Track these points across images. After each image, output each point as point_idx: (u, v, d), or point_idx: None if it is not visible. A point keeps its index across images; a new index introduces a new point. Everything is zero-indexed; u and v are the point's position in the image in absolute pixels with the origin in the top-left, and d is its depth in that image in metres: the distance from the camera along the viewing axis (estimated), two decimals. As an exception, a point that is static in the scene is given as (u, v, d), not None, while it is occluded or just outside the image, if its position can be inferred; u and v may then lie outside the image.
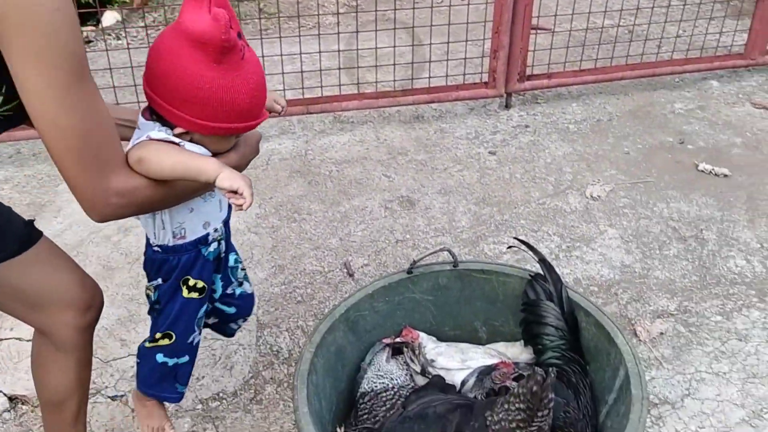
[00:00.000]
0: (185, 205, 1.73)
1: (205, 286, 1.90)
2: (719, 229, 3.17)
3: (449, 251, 2.40)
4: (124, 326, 2.71)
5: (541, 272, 2.33)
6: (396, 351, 2.42)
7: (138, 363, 1.98)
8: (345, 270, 2.95)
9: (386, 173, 3.56)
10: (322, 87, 3.71)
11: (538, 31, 3.94)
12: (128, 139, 1.62)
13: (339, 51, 3.66)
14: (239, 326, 2.48)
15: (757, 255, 3.02)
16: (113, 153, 1.37)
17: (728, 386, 2.43)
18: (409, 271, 2.41)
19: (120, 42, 4.82)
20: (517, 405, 1.97)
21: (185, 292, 1.88)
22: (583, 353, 2.28)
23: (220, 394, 2.41)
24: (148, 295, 1.96)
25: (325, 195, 3.39)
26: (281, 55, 3.61)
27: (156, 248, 1.83)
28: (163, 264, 1.87)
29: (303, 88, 3.70)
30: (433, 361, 2.39)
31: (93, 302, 1.90)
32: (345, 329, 2.29)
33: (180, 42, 1.44)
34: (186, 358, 1.95)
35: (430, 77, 3.81)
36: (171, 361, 1.93)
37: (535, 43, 3.90)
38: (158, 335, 1.89)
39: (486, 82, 3.90)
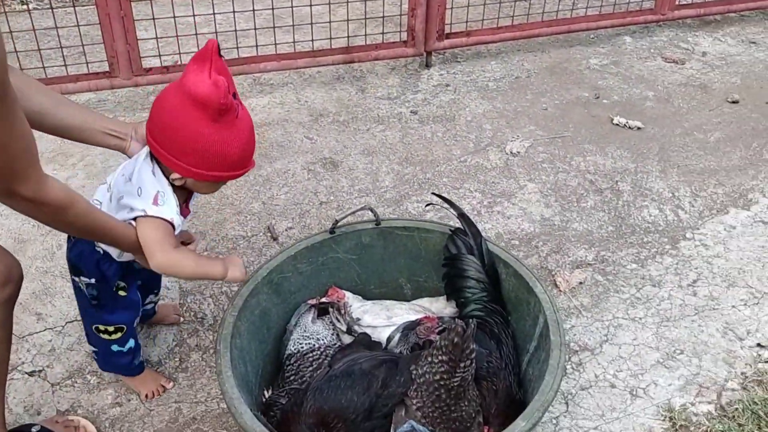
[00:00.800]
0: None
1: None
2: (633, 180, 3.27)
3: (371, 210, 2.40)
4: (39, 300, 2.62)
5: (461, 227, 2.36)
6: (322, 312, 2.42)
7: (95, 351, 2.21)
8: (269, 234, 2.92)
9: (308, 135, 3.52)
10: (238, 48, 3.62)
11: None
12: (110, 147, 1.98)
13: (254, 11, 3.57)
14: (154, 303, 2.45)
15: (669, 204, 3.13)
16: (26, 165, 1.41)
17: (644, 330, 2.53)
18: (332, 231, 2.40)
19: (24, 6, 4.58)
20: (440, 357, 1.99)
21: (121, 292, 2.07)
22: (505, 304, 2.33)
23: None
24: (79, 288, 2.06)
25: (245, 159, 3.33)
26: (194, 15, 3.50)
27: (99, 248, 1.95)
28: (99, 264, 1.97)
29: (220, 49, 3.59)
30: (358, 319, 2.40)
31: (10, 276, 1.86)
32: (269, 292, 2.27)
33: (182, 100, 1.64)
34: (134, 342, 2.19)
35: (348, 36, 3.76)
36: (125, 348, 2.16)
37: (452, 1, 3.89)
38: (111, 329, 2.10)
39: (405, 41, 3.88)
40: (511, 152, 3.41)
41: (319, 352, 2.29)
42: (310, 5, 3.61)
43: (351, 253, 2.45)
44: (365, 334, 2.35)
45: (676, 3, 4.37)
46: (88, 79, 3.49)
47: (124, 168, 1.91)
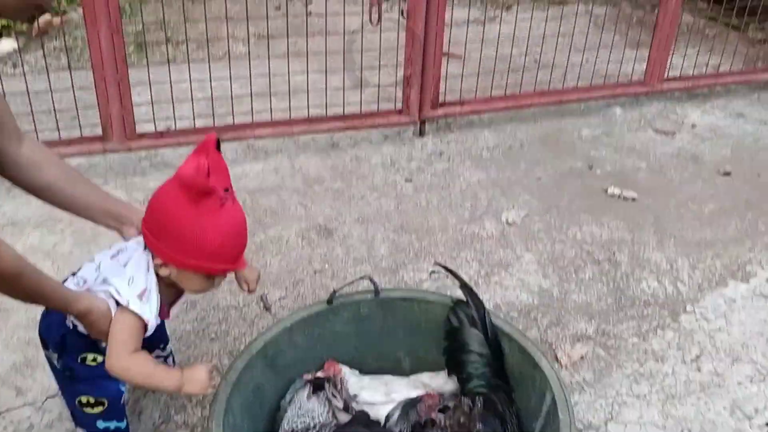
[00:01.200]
0: None
1: None
2: (630, 252, 3.24)
3: (370, 279, 2.34)
4: (20, 373, 2.50)
5: (463, 298, 2.30)
6: (317, 387, 2.33)
7: (80, 426, 2.07)
8: (261, 304, 2.84)
9: (302, 202, 3.47)
10: (233, 114, 3.61)
11: (450, 58, 3.96)
12: (108, 227, 1.99)
13: (250, 76, 3.57)
14: (164, 357, 2.35)
15: (667, 276, 3.09)
16: None
17: (649, 408, 2.45)
18: (329, 302, 2.32)
19: (17, 70, 4.56)
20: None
21: (91, 362, 1.94)
22: (509, 380, 2.25)
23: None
24: (51, 362, 1.99)
25: (238, 226, 3.27)
26: (190, 80, 3.50)
27: (69, 323, 1.87)
28: (66, 338, 1.90)
29: (214, 115, 3.58)
30: (356, 395, 2.30)
31: None
32: (263, 366, 2.18)
33: (171, 183, 1.68)
34: (124, 423, 2.06)
35: (344, 105, 3.76)
36: (112, 425, 2.03)
37: (447, 70, 3.92)
38: (91, 400, 1.97)
39: (400, 109, 3.90)
40: (507, 221, 3.38)
41: (315, 431, 2.19)
42: (306, 72, 3.61)
43: (349, 325, 2.37)
44: (363, 411, 2.25)
45: (665, 76, 4.44)
46: (81, 143, 3.45)
47: (119, 253, 1.88)
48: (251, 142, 3.88)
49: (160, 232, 1.72)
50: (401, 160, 3.87)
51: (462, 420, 1.86)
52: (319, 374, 2.32)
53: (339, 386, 2.33)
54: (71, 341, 1.92)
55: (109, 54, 3.23)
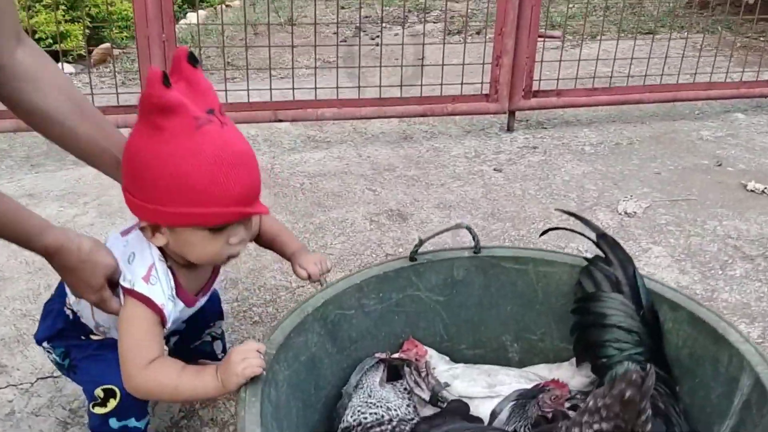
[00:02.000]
0: None
1: None
2: (789, 250, 2.52)
3: (469, 229, 1.71)
4: (8, 348, 1.94)
5: (601, 253, 1.64)
6: (394, 372, 1.68)
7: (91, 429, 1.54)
8: (317, 283, 2.22)
9: (371, 187, 2.89)
10: (293, 89, 3.09)
11: (547, 39, 3.40)
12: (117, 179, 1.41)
13: (315, 48, 3.06)
14: (219, 335, 1.79)
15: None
16: None
17: None
18: (412, 258, 1.71)
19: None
20: (599, 426, 1.25)
21: (95, 336, 1.51)
22: (670, 368, 1.56)
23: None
24: (52, 358, 1.56)
25: (294, 207, 2.70)
26: (248, 86, 3.01)
27: (68, 310, 1.49)
28: (63, 332, 1.50)
29: (271, 89, 3.06)
30: (447, 385, 1.65)
31: None
32: (321, 332, 1.56)
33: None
34: (143, 422, 1.50)
35: (422, 85, 3.21)
36: (130, 424, 1.48)
37: (542, 55, 3.35)
38: (101, 394, 1.45)
39: (487, 94, 3.32)
40: (625, 212, 2.72)
41: (390, 427, 1.53)
42: (381, 44, 3.09)
43: (437, 293, 1.74)
44: (459, 400, 1.59)
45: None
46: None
47: (132, 228, 1.41)
48: (311, 131, 3.36)
49: (134, 182, 1.27)
50: (487, 152, 3.27)
51: (629, 395, 1.18)
52: (396, 355, 1.69)
53: (424, 373, 1.68)
54: (64, 332, 1.51)
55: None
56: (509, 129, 3.49)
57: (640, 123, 3.71)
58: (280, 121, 3.03)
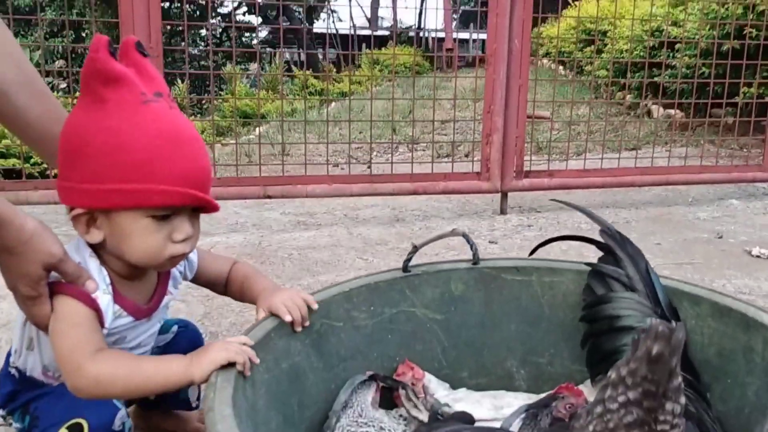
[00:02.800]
0: None
1: None
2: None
3: (465, 237, 1.60)
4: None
5: (609, 251, 1.52)
6: (387, 400, 1.50)
7: None
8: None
9: (362, 257, 2.77)
10: (283, 165, 3.04)
11: (536, 119, 3.41)
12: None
13: (305, 123, 3.05)
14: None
15: None
16: None
17: None
18: (405, 268, 1.57)
19: None
20: (627, 396, 1.09)
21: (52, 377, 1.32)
22: (698, 372, 1.39)
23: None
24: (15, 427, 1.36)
25: (282, 272, 2.56)
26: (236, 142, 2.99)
27: (12, 369, 1.32)
28: (16, 394, 1.32)
29: (260, 164, 3.01)
30: (447, 405, 1.46)
31: None
32: (306, 341, 1.40)
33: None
34: None
35: (413, 162, 3.18)
36: None
37: (532, 135, 3.35)
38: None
39: (478, 172, 3.28)
40: (629, 273, 2.60)
41: (383, 446, 1.34)
42: (370, 120, 3.09)
43: (434, 310, 1.59)
44: (464, 412, 1.40)
45: (788, 160, 3.78)
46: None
47: None
48: (301, 217, 3.28)
49: (70, 162, 1.14)
50: (481, 229, 3.18)
51: (657, 351, 1.02)
52: (390, 379, 1.51)
53: (421, 395, 1.50)
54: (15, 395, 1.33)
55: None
56: (502, 212, 3.42)
57: (635, 208, 3.66)
58: (269, 197, 2.96)
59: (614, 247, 1.50)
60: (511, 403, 1.50)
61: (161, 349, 1.47)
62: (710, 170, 3.68)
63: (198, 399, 1.62)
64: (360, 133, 7.23)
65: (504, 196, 3.39)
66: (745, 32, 4.10)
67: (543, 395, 1.43)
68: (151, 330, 1.35)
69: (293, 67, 14.18)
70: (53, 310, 1.16)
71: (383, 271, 1.58)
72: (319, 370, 1.43)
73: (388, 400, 1.51)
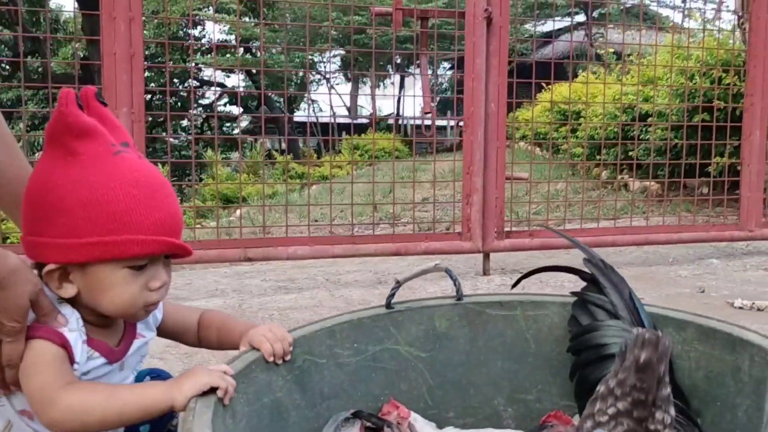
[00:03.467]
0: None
1: None
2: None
3: (448, 272, 1.60)
4: None
5: (592, 279, 1.52)
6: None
7: None
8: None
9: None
10: (264, 228, 3.04)
11: (514, 181, 3.46)
12: None
13: (287, 184, 3.07)
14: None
15: None
16: None
17: None
18: (389, 305, 1.56)
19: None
20: (613, 408, 1.08)
21: None
22: (687, 399, 1.37)
23: None
24: None
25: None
26: (218, 207, 3.01)
27: None
28: None
29: (241, 227, 3.01)
30: (435, 442, 1.42)
31: None
32: (288, 377, 1.37)
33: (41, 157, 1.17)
34: None
35: (394, 223, 3.19)
36: None
37: (512, 195, 3.40)
38: None
39: (460, 232, 3.29)
40: (614, 325, 2.58)
41: (370, 482, 1.29)
42: (351, 183, 3.12)
43: (418, 347, 1.57)
44: (453, 442, 1.36)
45: (764, 219, 3.84)
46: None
47: None
48: (281, 282, 3.25)
49: (41, 217, 1.13)
50: (465, 290, 3.15)
51: (645, 358, 1.01)
52: (375, 418, 1.47)
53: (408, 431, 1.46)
54: None
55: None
56: (485, 273, 3.42)
57: (617, 268, 3.67)
58: (250, 260, 2.94)
59: (597, 275, 1.50)
60: (500, 439, 1.46)
61: None
62: (689, 229, 3.73)
63: None
64: (341, 211, 7.32)
65: (486, 256, 3.39)
66: (714, 105, 4.25)
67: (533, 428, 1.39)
68: (126, 381, 1.32)
69: (274, 153, 14.40)
70: (28, 355, 1.11)
71: (366, 308, 1.57)
72: (302, 408, 1.39)
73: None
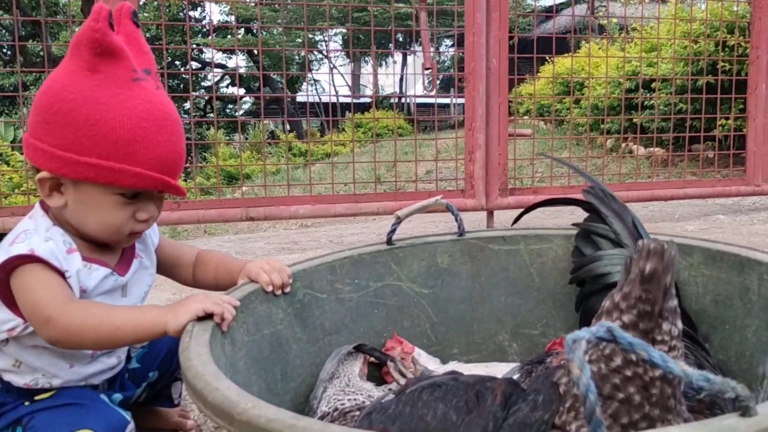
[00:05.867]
0: (60, 356, 1.20)
1: None
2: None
3: (450, 208, 1.57)
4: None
5: (594, 209, 1.49)
6: (377, 367, 1.44)
7: None
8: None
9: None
10: (266, 187, 3.02)
11: (517, 138, 3.42)
12: None
13: (288, 147, 3.04)
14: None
15: None
16: None
17: None
18: (389, 241, 1.54)
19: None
20: (619, 321, 1.05)
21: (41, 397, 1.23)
22: (695, 324, 1.35)
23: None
24: None
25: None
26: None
27: None
28: (5, 405, 1.22)
29: (242, 185, 2.99)
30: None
31: None
32: (288, 310, 1.35)
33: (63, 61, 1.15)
34: None
35: (396, 180, 3.16)
36: None
37: (515, 152, 3.36)
38: None
39: (463, 189, 3.26)
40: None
41: (372, 411, 1.27)
42: (353, 141, 3.09)
43: (420, 284, 1.55)
44: (454, 371, 1.34)
45: (770, 174, 3.79)
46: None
47: None
48: (285, 245, 3.23)
49: (48, 124, 1.11)
50: (470, 247, 3.14)
51: (651, 269, 0.98)
52: (378, 353, 1.45)
53: (411, 369, 1.44)
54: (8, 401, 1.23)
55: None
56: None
57: (622, 224, 3.64)
58: (252, 219, 2.92)
59: (598, 205, 1.47)
60: (504, 370, 1.44)
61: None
62: (694, 184, 3.69)
63: (180, 396, 1.55)
64: (345, 185, 7.30)
65: (490, 214, 3.36)
66: (718, 67, 4.18)
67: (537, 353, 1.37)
68: (134, 284, 1.30)
69: (278, 132, 14.34)
70: (17, 282, 1.11)
71: (367, 245, 1.55)
72: (303, 342, 1.37)
73: (376, 378, 1.45)
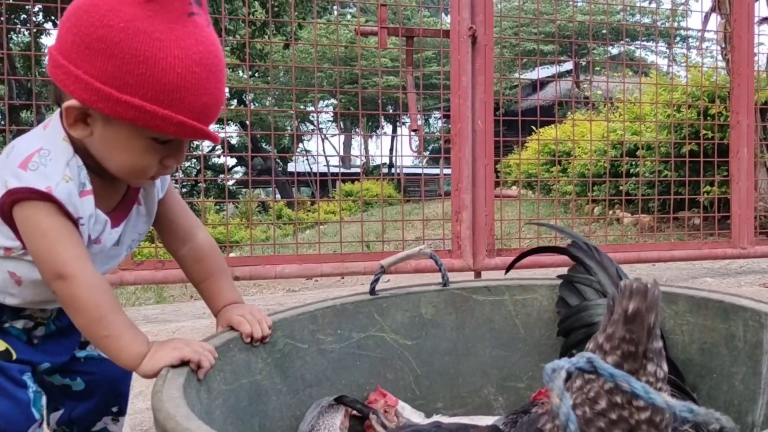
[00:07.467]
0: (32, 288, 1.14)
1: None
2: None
3: (433, 258, 1.56)
4: None
5: (578, 260, 1.48)
6: (357, 428, 1.40)
7: None
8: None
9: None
10: (252, 246, 3.00)
11: (503, 199, 3.44)
12: None
13: (274, 205, 3.04)
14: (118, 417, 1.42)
15: None
16: None
17: None
18: (373, 291, 1.52)
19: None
20: (605, 359, 1.04)
21: None
22: (683, 374, 1.33)
23: None
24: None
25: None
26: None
27: None
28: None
29: (228, 245, 2.98)
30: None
31: None
32: (268, 360, 1.33)
33: None
34: None
35: (383, 240, 3.16)
36: None
37: (501, 213, 3.37)
38: None
39: (450, 250, 3.26)
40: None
41: (353, 463, 1.23)
42: (340, 207, 3.10)
43: (404, 335, 1.52)
44: (439, 422, 1.30)
45: (756, 236, 3.81)
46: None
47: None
48: (271, 306, 3.19)
49: (87, 50, 0.99)
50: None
51: (634, 308, 0.97)
52: (361, 406, 1.41)
53: (394, 422, 1.40)
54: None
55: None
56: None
57: (610, 287, 3.63)
58: (237, 278, 2.89)
59: (583, 257, 1.47)
60: (490, 422, 1.40)
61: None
62: (681, 246, 3.70)
63: None
64: (333, 252, 7.30)
65: (477, 275, 3.35)
66: (701, 134, 4.25)
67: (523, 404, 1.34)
68: (120, 257, 1.23)
69: (268, 201, 14.40)
70: (22, 218, 1.04)
71: (350, 294, 1.53)
72: (283, 393, 1.34)
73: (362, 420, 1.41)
